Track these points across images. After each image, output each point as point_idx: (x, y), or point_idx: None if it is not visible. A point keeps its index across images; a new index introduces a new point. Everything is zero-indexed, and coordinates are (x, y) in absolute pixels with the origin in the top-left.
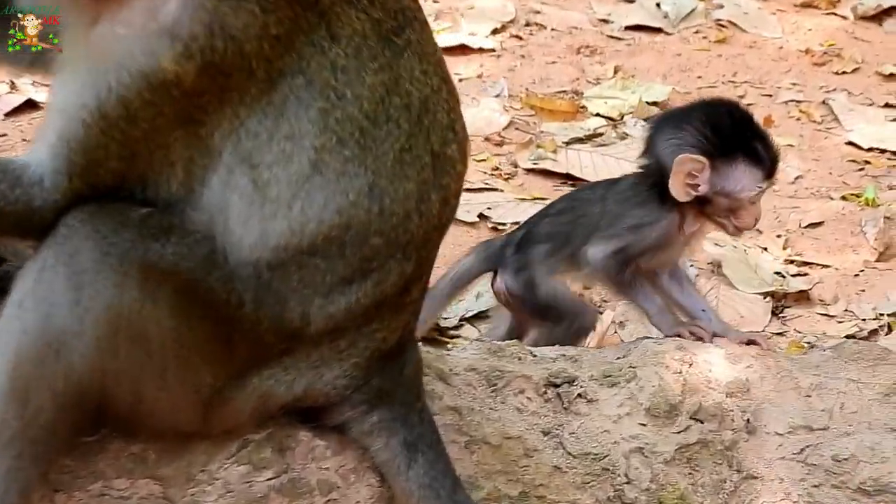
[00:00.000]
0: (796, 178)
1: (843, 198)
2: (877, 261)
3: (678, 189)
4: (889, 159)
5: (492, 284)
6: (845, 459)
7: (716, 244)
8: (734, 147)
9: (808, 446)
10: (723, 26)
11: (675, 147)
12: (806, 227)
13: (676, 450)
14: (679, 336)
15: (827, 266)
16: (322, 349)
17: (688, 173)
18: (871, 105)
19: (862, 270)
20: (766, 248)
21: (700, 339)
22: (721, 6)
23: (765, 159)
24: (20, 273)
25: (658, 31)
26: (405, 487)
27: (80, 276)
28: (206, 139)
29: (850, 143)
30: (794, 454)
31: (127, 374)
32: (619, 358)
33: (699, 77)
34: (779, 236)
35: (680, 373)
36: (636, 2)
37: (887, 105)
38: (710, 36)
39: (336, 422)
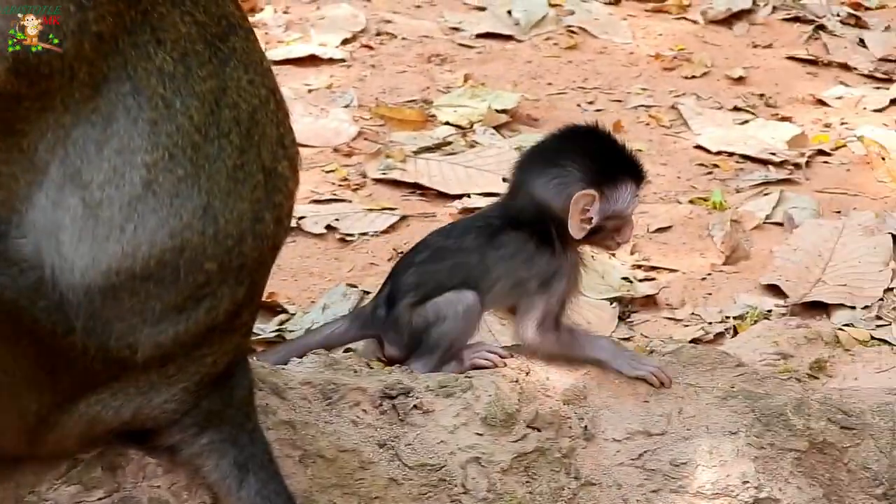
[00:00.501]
0: None
1: (691, 202)
2: (724, 264)
3: (575, 228)
4: (737, 162)
5: (381, 351)
6: (683, 464)
7: None
8: (615, 169)
9: (646, 451)
10: (574, 33)
11: (563, 187)
12: (654, 231)
13: (513, 458)
14: (644, 380)
15: (674, 270)
16: (151, 375)
17: (581, 209)
18: (719, 108)
19: (709, 274)
20: (613, 254)
21: (663, 384)
22: (572, 12)
23: (635, 169)
24: None
25: (509, 38)
26: None
27: None
28: (29, 152)
29: (699, 147)
30: (632, 460)
31: None
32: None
33: (549, 84)
34: None
35: (517, 381)
36: (487, 10)
37: (736, 108)
38: (561, 42)
39: (166, 444)
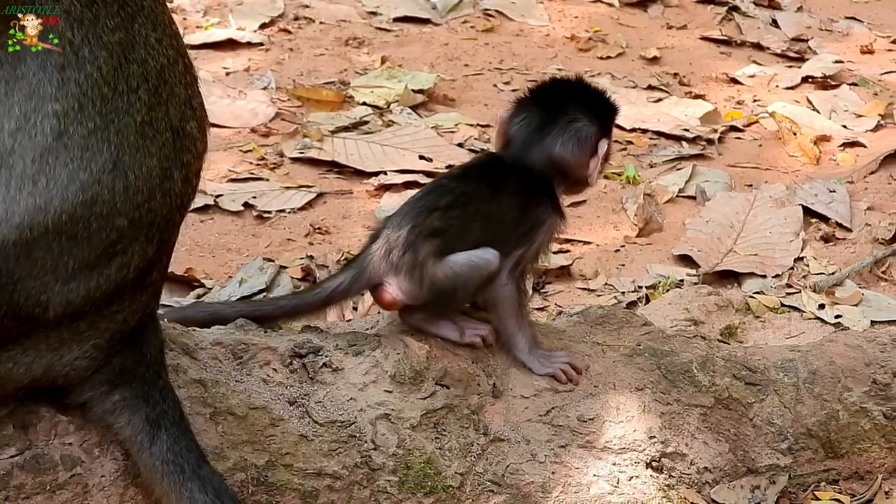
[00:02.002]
0: None
1: (606, 177)
2: (637, 236)
3: (595, 176)
4: (651, 139)
5: (377, 299)
6: (591, 420)
7: None
8: (609, 111)
9: (553, 408)
10: (490, 16)
11: (585, 141)
12: (569, 206)
13: (423, 415)
14: (553, 377)
15: (588, 242)
16: (62, 332)
17: (603, 157)
18: (634, 87)
19: (623, 246)
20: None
21: (571, 381)
22: None
23: (614, 105)
24: None
25: (426, 21)
26: (149, 463)
27: None
28: None
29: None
30: (540, 416)
31: None
32: (366, 329)
33: (466, 65)
34: None
35: (424, 340)
36: None
37: (650, 87)
38: (478, 25)
39: (78, 401)
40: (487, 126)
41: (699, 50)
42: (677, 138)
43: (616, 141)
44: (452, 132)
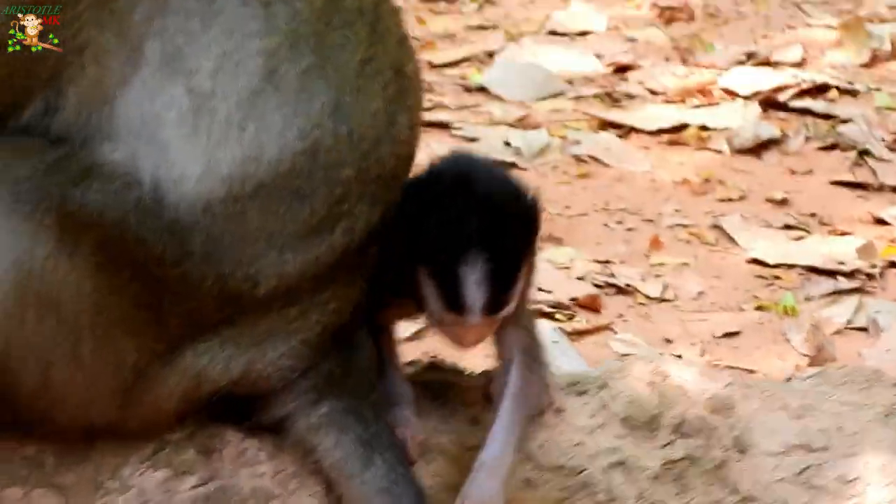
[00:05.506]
0: (698, 293)
1: (759, 308)
2: (809, 367)
3: None
4: (800, 274)
5: None
6: (851, 481)
7: None
8: None
9: (809, 467)
10: (583, 161)
11: None
12: (721, 336)
13: (662, 465)
14: None
15: (753, 371)
16: (270, 318)
17: None
18: (769, 227)
19: (793, 376)
20: (680, 356)
21: None
22: (578, 142)
23: None
24: None
25: (512, 165)
26: (360, 493)
27: None
28: (122, 19)
29: (755, 261)
30: (794, 475)
31: (34, 349)
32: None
33: (567, 207)
34: (693, 344)
35: (653, 384)
36: (481, 140)
37: (787, 226)
38: (570, 170)
39: (276, 416)
40: (607, 262)
41: (832, 194)
42: (831, 273)
43: (760, 276)
44: (567, 268)
